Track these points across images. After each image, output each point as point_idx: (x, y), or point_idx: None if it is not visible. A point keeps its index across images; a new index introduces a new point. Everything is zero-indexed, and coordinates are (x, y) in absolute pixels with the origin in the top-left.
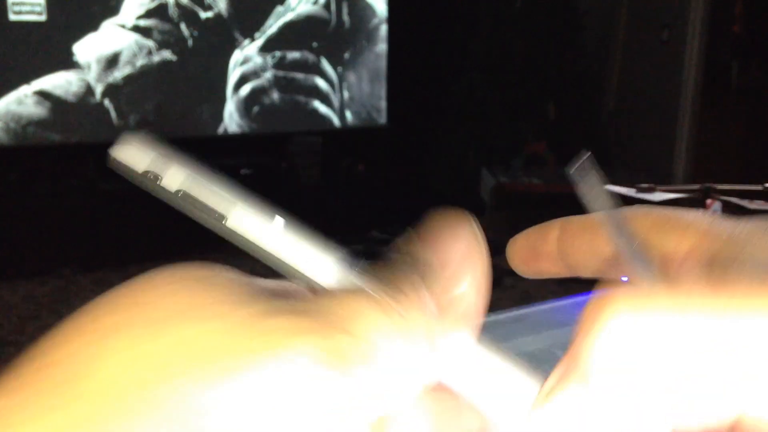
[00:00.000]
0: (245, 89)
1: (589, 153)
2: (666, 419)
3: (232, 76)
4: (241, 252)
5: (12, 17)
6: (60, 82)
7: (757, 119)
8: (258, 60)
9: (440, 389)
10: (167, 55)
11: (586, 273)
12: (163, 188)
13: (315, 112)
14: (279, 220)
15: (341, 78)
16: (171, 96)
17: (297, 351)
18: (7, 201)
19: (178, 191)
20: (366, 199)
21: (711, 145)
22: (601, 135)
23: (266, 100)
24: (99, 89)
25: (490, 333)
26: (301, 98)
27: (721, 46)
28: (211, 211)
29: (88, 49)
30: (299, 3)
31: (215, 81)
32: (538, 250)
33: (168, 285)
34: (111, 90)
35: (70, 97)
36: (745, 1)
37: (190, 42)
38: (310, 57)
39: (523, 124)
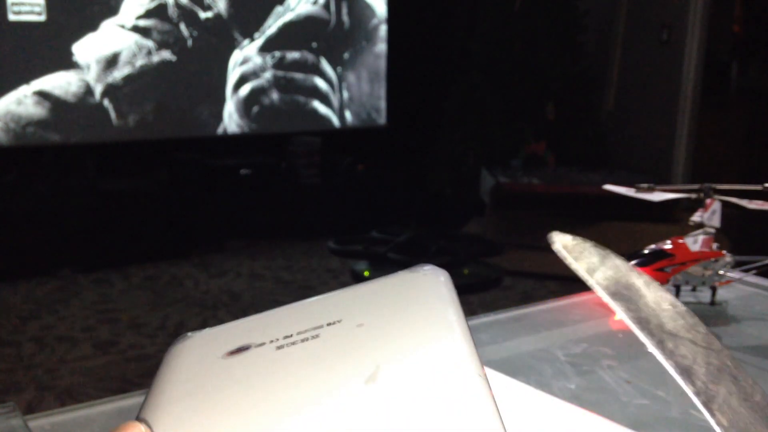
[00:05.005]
0: (245, 89)
1: None
2: None
3: (232, 76)
4: (240, 252)
5: (12, 17)
6: (60, 82)
7: (756, 119)
8: (258, 60)
9: None
10: (167, 55)
11: None
12: None
13: (315, 112)
14: None
15: (341, 78)
16: (171, 96)
17: None
18: (7, 201)
19: None
20: (366, 199)
21: (711, 145)
22: (601, 135)
23: (266, 100)
24: (98, 89)
25: (490, 333)
26: (301, 98)
27: (721, 46)
28: None
29: (88, 49)
30: (299, 3)
31: (215, 81)
32: None
33: None
34: (110, 90)
35: (70, 97)
36: (745, 1)
37: (189, 42)
38: (310, 57)
39: (523, 124)
